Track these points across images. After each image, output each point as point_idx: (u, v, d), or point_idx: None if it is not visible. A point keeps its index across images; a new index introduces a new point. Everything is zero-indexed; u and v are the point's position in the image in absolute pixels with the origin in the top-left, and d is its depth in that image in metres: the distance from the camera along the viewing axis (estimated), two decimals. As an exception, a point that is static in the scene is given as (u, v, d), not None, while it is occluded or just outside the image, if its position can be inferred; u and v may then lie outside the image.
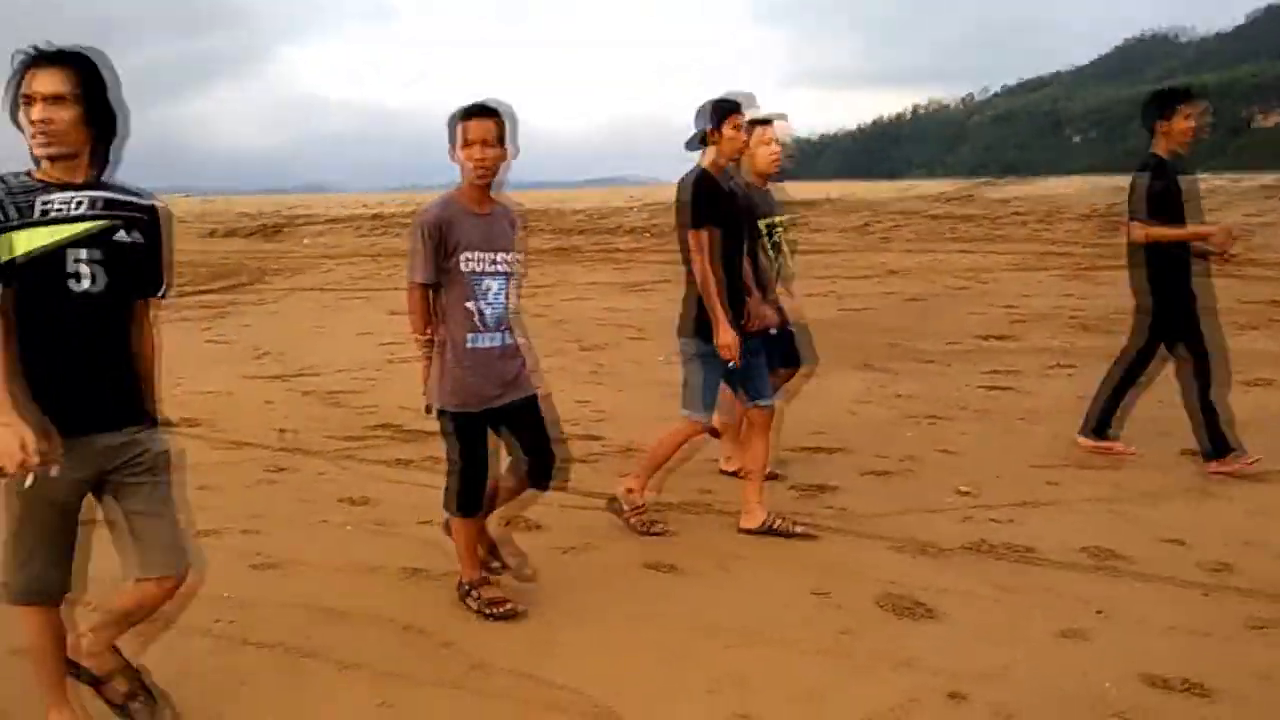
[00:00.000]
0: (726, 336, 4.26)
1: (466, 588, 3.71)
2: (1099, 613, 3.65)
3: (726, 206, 4.39)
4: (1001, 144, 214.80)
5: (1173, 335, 5.40)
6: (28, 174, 2.52)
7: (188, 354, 9.38)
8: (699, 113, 4.40)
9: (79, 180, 2.53)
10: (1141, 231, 5.27)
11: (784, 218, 5.27)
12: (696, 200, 4.32)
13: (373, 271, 18.57)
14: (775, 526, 4.42)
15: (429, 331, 3.61)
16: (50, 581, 2.63)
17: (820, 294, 12.59)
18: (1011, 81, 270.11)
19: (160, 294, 2.70)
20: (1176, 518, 4.66)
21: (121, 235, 2.55)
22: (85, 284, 2.48)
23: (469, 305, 3.52)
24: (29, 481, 2.40)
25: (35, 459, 2.34)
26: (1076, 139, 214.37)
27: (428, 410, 3.68)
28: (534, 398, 3.71)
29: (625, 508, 4.55)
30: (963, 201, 27.32)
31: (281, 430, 6.46)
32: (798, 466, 5.59)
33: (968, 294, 12.66)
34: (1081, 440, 5.70)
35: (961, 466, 5.52)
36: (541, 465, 3.73)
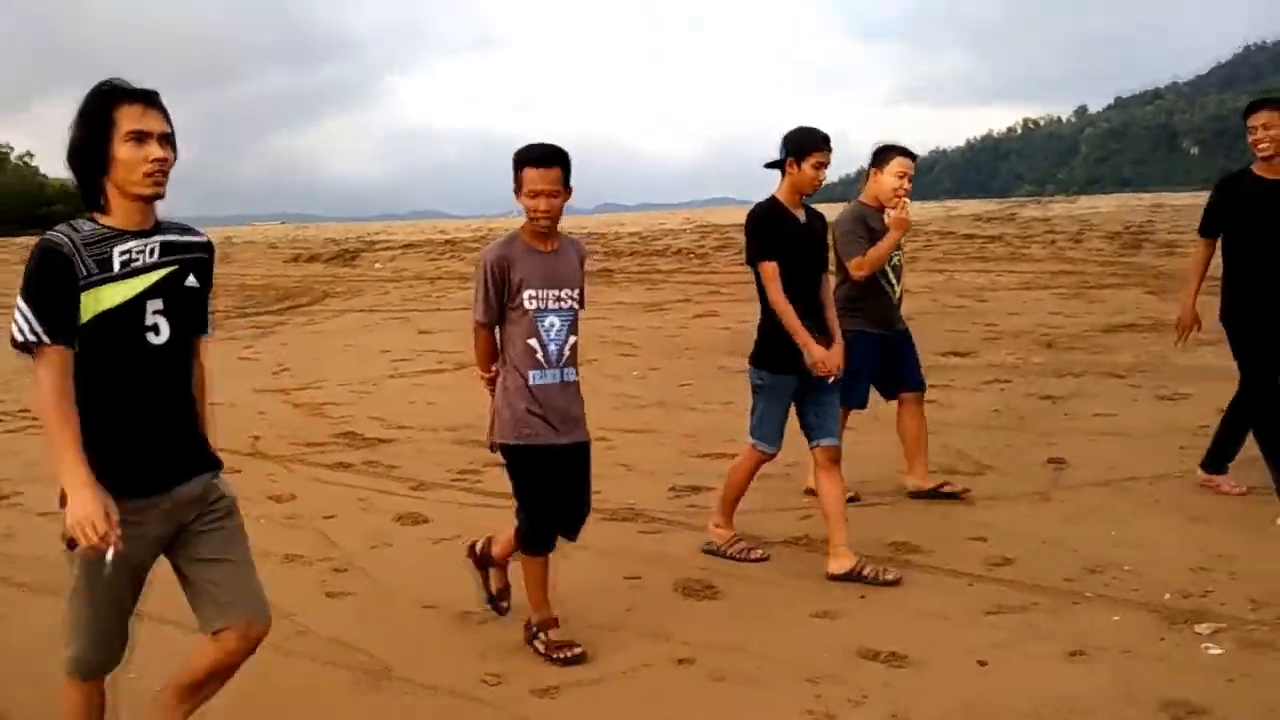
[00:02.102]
0: (817, 353, 4.20)
1: (535, 630, 3.59)
2: (862, 597, 4.01)
3: (791, 238, 4.27)
4: (1115, 157, 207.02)
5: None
6: (92, 218, 2.32)
7: (214, 369, 10.14)
8: (786, 139, 4.26)
9: (149, 225, 2.37)
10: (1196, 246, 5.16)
11: (901, 243, 5.16)
12: (757, 233, 4.29)
13: (426, 293, 19.35)
14: (864, 573, 4.13)
15: (493, 370, 3.60)
16: (115, 650, 2.46)
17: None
18: (1124, 93, 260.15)
19: (207, 333, 2.55)
20: (996, 519, 4.93)
21: (190, 280, 2.42)
22: (154, 337, 2.33)
23: (531, 342, 3.47)
24: (110, 557, 2.18)
25: (118, 531, 2.19)
26: (1194, 150, 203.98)
27: (492, 448, 3.63)
28: (587, 445, 3.61)
29: (719, 545, 4.49)
30: (1002, 221, 27.05)
31: (255, 437, 7.11)
32: (699, 469, 5.99)
33: (961, 313, 12.77)
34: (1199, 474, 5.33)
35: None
36: (575, 516, 3.61)
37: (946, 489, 5.25)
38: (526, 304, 3.46)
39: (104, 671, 2.48)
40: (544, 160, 3.40)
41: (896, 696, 3.18)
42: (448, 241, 33.51)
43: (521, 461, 3.53)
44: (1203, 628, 3.64)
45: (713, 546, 4.51)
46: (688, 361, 10.01)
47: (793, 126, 4.28)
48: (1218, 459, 5.25)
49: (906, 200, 4.94)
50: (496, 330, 3.56)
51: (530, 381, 3.48)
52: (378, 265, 26.87)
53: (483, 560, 3.90)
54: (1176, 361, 9.05)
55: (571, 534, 3.64)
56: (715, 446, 6.45)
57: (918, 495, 5.26)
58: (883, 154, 5.07)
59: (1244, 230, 4.92)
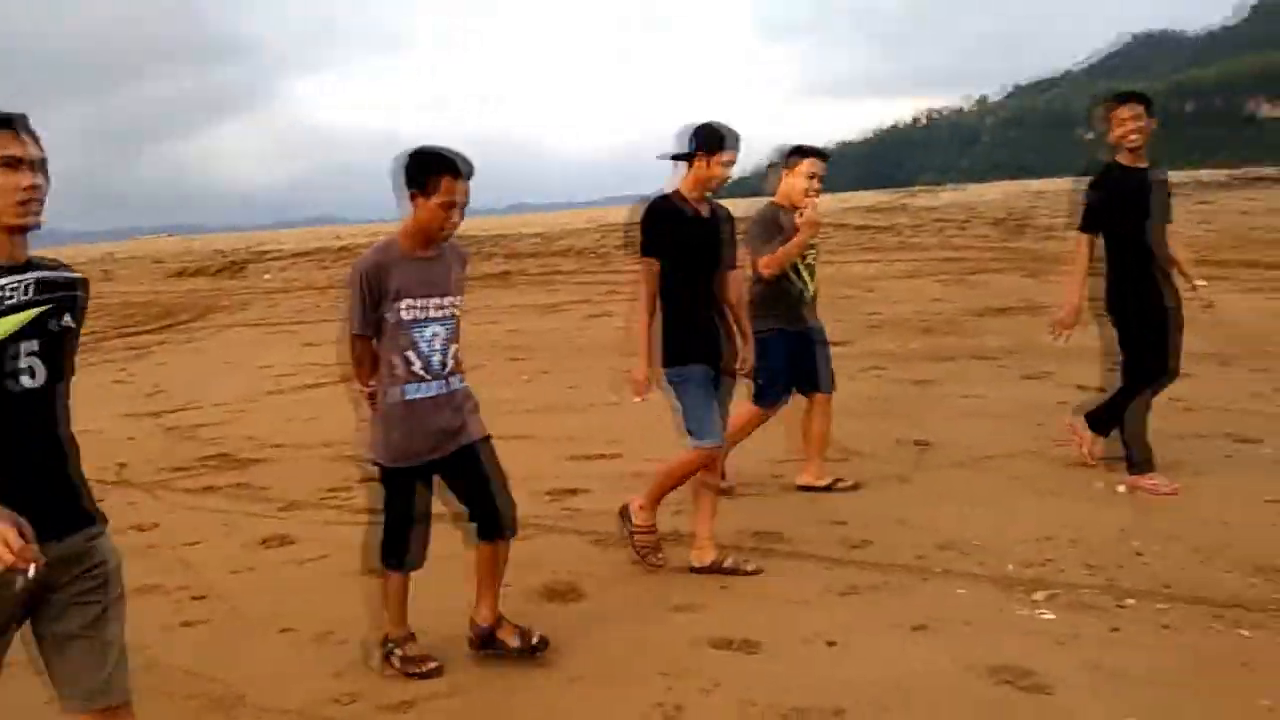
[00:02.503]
0: (638, 371, 4.15)
1: (391, 645, 3.54)
2: (723, 588, 4.10)
3: (685, 234, 4.16)
4: (1014, 145, 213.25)
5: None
6: None
7: (83, 395, 9.80)
8: (696, 133, 4.16)
9: (22, 259, 2.20)
10: (1079, 242, 5.11)
11: (815, 240, 5.21)
12: (647, 229, 4.17)
13: (316, 304, 19.01)
14: (724, 565, 4.20)
15: (373, 383, 3.43)
16: None
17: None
18: (1022, 83, 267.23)
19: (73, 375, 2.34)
20: (859, 503, 5.08)
21: (66, 319, 2.24)
22: (27, 380, 2.15)
23: (410, 354, 3.32)
24: (32, 573, 2.01)
25: (36, 546, 2.01)
26: (1089, 135, 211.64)
27: (373, 463, 3.53)
28: (474, 446, 3.46)
29: (632, 528, 4.40)
30: (895, 211, 27.79)
31: (120, 464, 6.89)
32: (575, 472, 6.02)
33: (847, 303, 13.07)
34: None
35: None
36: (485, 516, 3.49)
37: (840, 484, 5.30)
38: (404, 314, 3.31)
39: None
40: (469, 172, 3.28)
41: (747, 682, 3.27)
42: (342, 248, 32.99)
43: (394, 483, 3.47)
44: (1039, 595, 3.83)
45: (628, 519, 4.42)
46: (579, 363, 10.03)
47: (705, 121, 4.19)
48: (1099, 421, 5.34)
49: (816, 201, 5.01)
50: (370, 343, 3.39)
51: (407, 396, 3.33)
52: (267, 276, 26.30)
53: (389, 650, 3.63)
54: (1043, 341, 9.46)
55: (493, 537, 3.51)
56: (595, 448, 6.51)
57: (805, 488, 5.30)
58: (794, 155, 5.12)
59: (1128, 224, 5.00)
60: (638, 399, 4.21)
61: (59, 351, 2.23)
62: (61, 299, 2.24)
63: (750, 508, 5.14)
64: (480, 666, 3.55)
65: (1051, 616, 3.66)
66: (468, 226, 3.53)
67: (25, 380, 2.15)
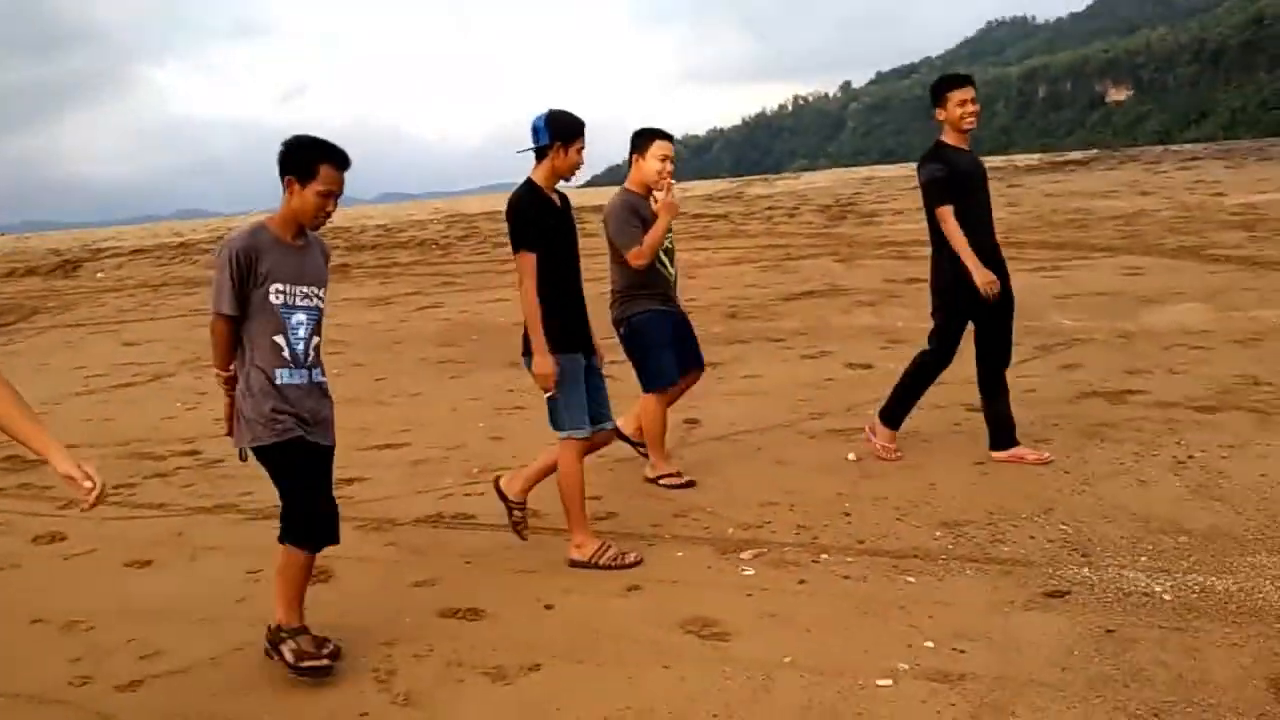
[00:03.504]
0: (544, 365, 4.07)
1: (284, 635, 3.38)
2: (467, 563, 4.36)
3: (555, 223, 4.16)
4: (878, 130, 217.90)
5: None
6: None
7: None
8: (550, 123, 4.10)
9: None
10: (944, 214, 5.00)
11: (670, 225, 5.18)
12: (521, 222, 4.11)
13: (145, 302, 18.33)
14: (599, 561, 4.15)
15: (231, 367, 3.36)
16: None
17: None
18: (884, 69, 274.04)
19: None
20: (616, 479, 5.40)
21: None
22: None
23: (278, 339, 3.28)
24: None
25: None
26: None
27: (242, 456, 3.43)
28: (330, 449, 3.48)
29: (586, 560, 4.19)
30: (731, 200, 28.57)
31: (-98, 470, 6.67)
32: (359, 461, 6.16)
33: (667, 289, 13.48)
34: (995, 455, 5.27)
35: (494, 452, 6.19)
36: (330, 515, 3.46)
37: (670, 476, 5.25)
38: (273, 298, 3.26)
39: None
40: (346, 161, 3.29)
41: (459, 646, 3.53)
42: (181, 244, 31.78)
43: (283, 458, 3.32)
44: (746, 554, 4.21)
45: (580, 562, 4.19)
46: (392, 356, 10.11)
47: (553, 110, 4.14)
48: (1001, 438, 5.25)
49: (672, 183, 4.99)
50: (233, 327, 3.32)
51: (277, 380, 3.29)
52: (100, 275, 25.12)
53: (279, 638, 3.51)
54: (834, 323, 10.08)
55: (333, 538, 3.46)
56: (385, 439, 6.65)
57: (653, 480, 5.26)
58: (642, 139, 5.05)
59: (970, 201, 5.02)
60: (549, 392, 4.12)
61: None
62: None
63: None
64: (217, 641, 3.70)
65: (751, 572, 4.04)
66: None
67: None
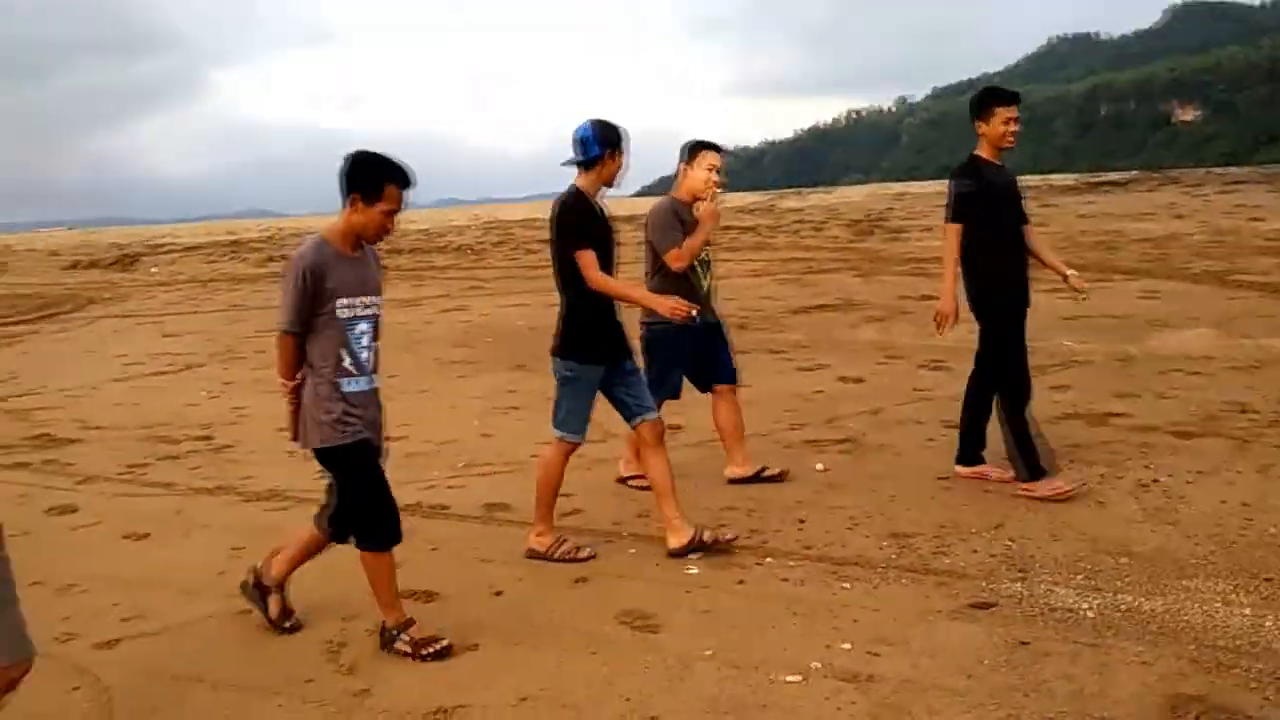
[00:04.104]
0: (669, 301, 4.26)
1: (395, 632, 3.47)
2: (434, 550, 4.53)
3: (599, 228, 4.29)
4: (934, 146, 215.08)
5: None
6: None
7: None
8: (600, 134, 4.22)
9: None
10: (952, 233, 4.94)
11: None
12: (572, 224, 4.24)
13: (192, 296, 18.88)
14: (704, 540, 4.25)
15: (296, 378, 3.45)
16: None
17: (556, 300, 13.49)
18: (942, 85, 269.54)
19: None
20: (592, 479, 5.53)
21: None
22: None
23: (342, 351, 3.38)
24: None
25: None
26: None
27: (316, 455, 3.49)
28: (381, 449, 3.59)
29: (545, 550, 4.33)
30: (762, 213, 28.60)
31: (-68, 444, 7.03)
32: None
33: (688, 300, 13.60)
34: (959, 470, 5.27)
35: (483, 448, 6.37)
36: (391, 518, 3.54)
37: (766, 474, 5.33)
38: (339, 312, 3.35)
39: None
40: (410, 180, 3.38)
41: (430, 629, 3.68)
42: (233, 243, 32.53)
43: (351, 459, 3.43)
44: (694, 555, 4.31)
45: (538, 553, 4.32)
46: (411, 355, 10.34)
47: (596, 120, 4.27)
48: (969, 454, 5.23)
49: (719, 191, 5.04)
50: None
51: (342, 389, 3.39)
52: (154, 270, 25.88)
53: (261, 585, 3.74)
54: (838, 337, 10.14)
55: (399, 535, 3.54)
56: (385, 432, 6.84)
57: (737, 481, 5.31)
58: (693, 150, 5.12)
59: (1001, 218, 4.95)
60: (678, 315, 4.25)
61: None
62: None
63: (495, 483, 5.57)
64: (194, 607, 3.91)
65: (695, 571, 4.16)
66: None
67: None
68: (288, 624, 3.69)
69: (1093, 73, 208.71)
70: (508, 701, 3.13)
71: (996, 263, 4.93)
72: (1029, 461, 4.90)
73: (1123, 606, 3.66)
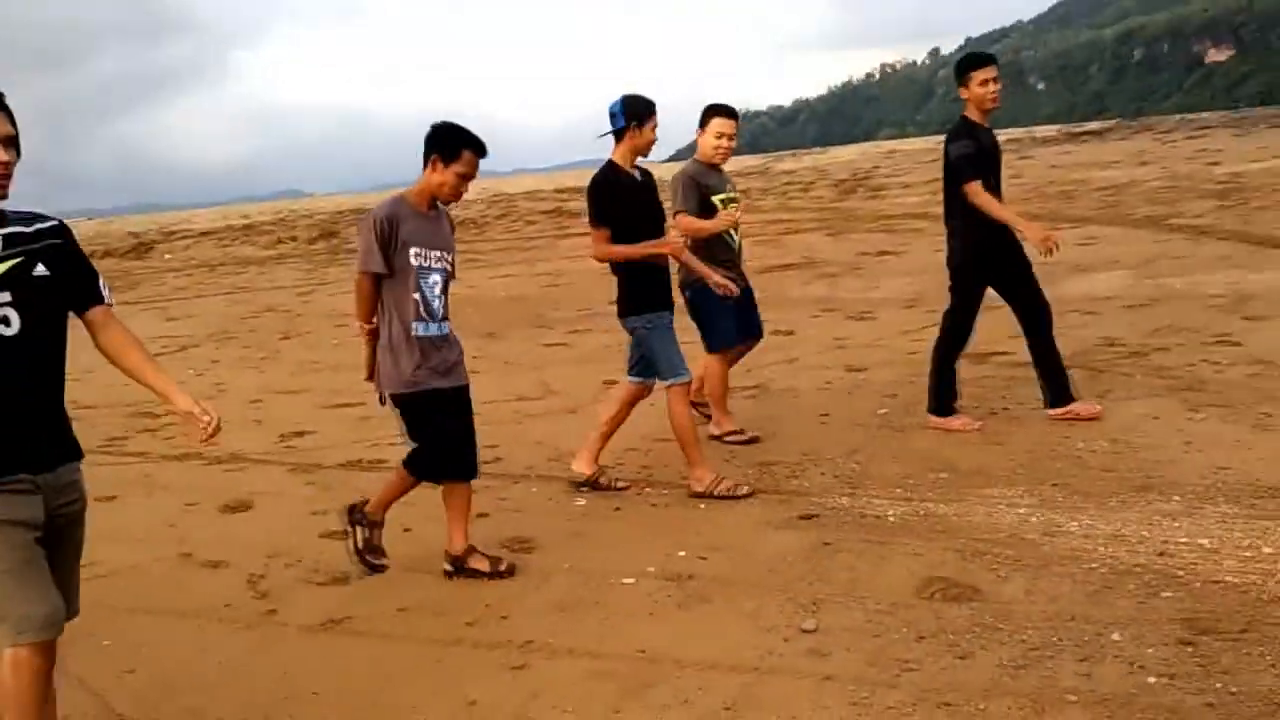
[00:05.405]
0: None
1: (458, 560, 3.91)
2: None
3: (630, 198, 4.54)
4: None
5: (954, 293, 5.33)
6: None
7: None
8: (625, 107, 4.50)
9: None
10: (974, 189, 5.08)
11: (735, 194, 5.49)
12: (596, 200, 4.52)
13: (200, 281, 19.56)
14: (715, 491, 4.56)
15: (374, 320, 3.80)
16: (55, 604, 2.34)
17: (543, 272, 14.06)
18: (974, 35, 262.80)
19: (104, 302, 2.57)
20: (521, 430, 6.14)
21: (38, 269, 2.38)
22: (7, 327, 2.29)
23: (416, 297, 3.71)
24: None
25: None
26: (1041, 86, 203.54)
27: (381, 400, 3.90)
28: (466, 387, 3.92)
29: (708, 488, 4.60)
30: (756, 176, 28.93)
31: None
32: (315, 418, 7.00)
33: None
34: (932, 420, 5.40)
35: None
36: (471, 450, 3.91)
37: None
38: (412, 260, 3.70)
39: (58, 622, 2.36)
40: (485, 150, 3.75)
41: (321, 558, 4.31)
42: (245, 227, 33.19)
43: (416, 406, 3.80)
44: (584, 490, 4.90)
45: (702, 490, 4.60)
46: (388, 327, 10.92)
47: (627, 94, 4.54)
48: (942, 403, 5.38)
49: (737, 216, 5.30)
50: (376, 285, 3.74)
51: (414, 333, 3.72)
52: (168, 256, 26.59)
53: (359, 517, 4.08)
54: (789, 294, 10.65)
55: (473, 473, 3.93)
56: (348, 399, 7.45)
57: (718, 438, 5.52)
58: (705, 114, 5.30)
59: (989, 177, 5.14)
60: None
61: (37, 300, 2.35)
62: (35, 250, 2.38)
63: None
64: (121, 556, 4.55)
65: (582, 503, 4.76)
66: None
67: (2, 329, 2.30)
68: (502, 568, 3.91)
69: (1124, 15, 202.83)
70: (388, 612, 3.75)
71: (977, 223, 5.10)
72: (941, 403, 5.33)
73: (922, 512, 4.24)
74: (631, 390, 4.89)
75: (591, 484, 4.86)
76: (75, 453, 2.50)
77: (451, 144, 3.71)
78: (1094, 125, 38.41)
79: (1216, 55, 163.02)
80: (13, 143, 2.33)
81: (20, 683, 2.27)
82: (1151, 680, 2.87)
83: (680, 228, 5.21)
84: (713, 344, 5.39)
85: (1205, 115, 41.31)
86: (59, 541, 2.44)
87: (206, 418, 2.53)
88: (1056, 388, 5.31)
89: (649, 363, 4.72)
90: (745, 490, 4.62)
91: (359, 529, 4.04)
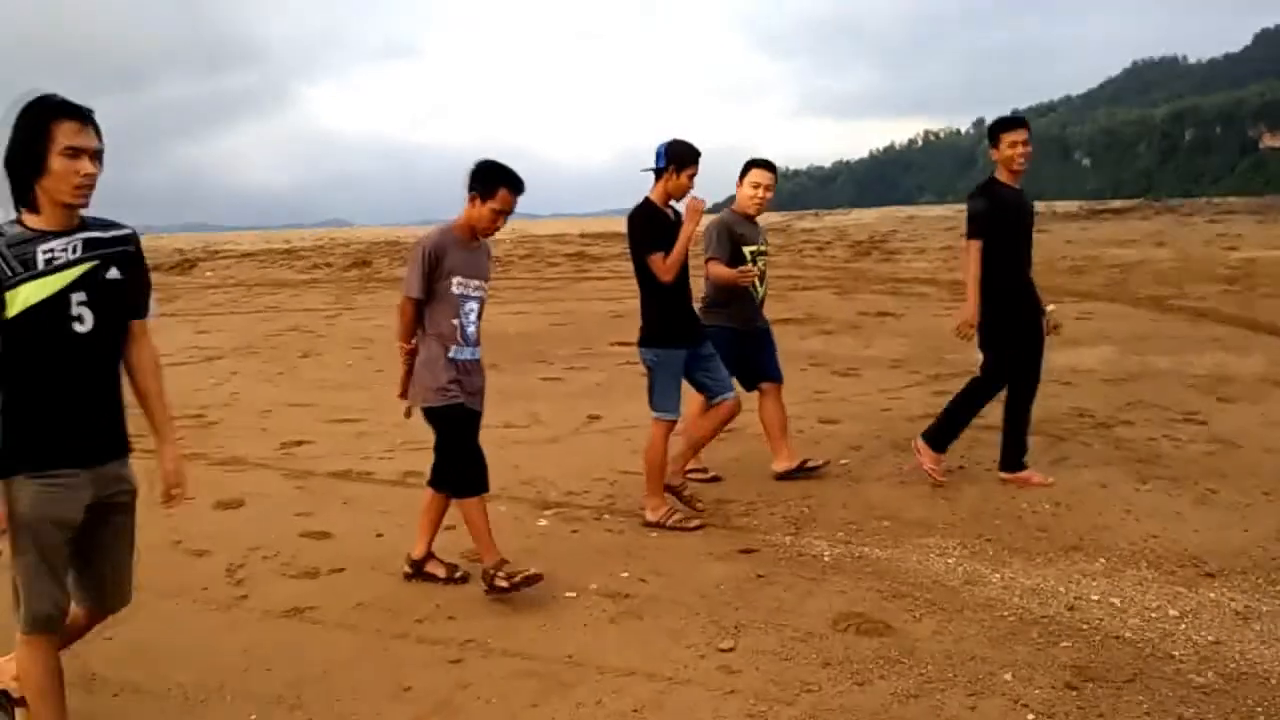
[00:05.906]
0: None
1: (493, 573, 3.94)
2: (344, 503, 5.46)
3: (667, 235, 4.72)
4: None
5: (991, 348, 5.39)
6: (18, 222, 2.49)
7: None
8: (668, 150, 4.68)
9: (74, 224, 2.53)
10: (970, 247, 5.23)
11: (765, 246, 5.68)
12: (643, 231, 4.73)
13: (236, 298, 20.13)
14: (667, 523, 4.81)
15: (412, 343, 4.05)
16: (63, 604, 2.65)
17: (554, 311, 14.43)
18: (1020, 107, 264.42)
19: (145, 316, 2.74)
20: (520, 458, 6.41)
21: (111, 273, 2.56)
22: (79, 326, 2.48)
23: (454, 321, 3.95)
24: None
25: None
26: (1085, 162, 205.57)
27: (407, 414, 4.13)
28: (480, 415, 4.13)
29: (659, 519, 4.85)
30: (776, 233, 29.32)
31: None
32: (310, 430, 7.33)
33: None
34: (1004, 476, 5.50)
35: (422, 430, 7.25)
36: (476, 472, 4.09)
37: (809, 464, 5.66)
38: (454, 288, 3.95)
39: (57, 623, 2.66)
40: (521, 188, 3.96)
41: (298, 554, 4.62)
42: (285, 251, 34.01)
43: (447, 418, 4.01)
44: (548, 512, 5.19)
45: (655, 520, 4.84)
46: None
47: (673, 139, 4.73)
48: (941, 439, 5.54)
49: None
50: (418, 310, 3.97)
51: (450, 355, 3.97)
52: (209, 273, 27.33)
53: (416, 564, 4.29)
54: (784, 347, 10.81)
55: (484, 485, 4.10)
56: (349, 415, 7.80)
57: (784, 476, 5.62)
58: (745, 167, 5.51)
59: (1007, 237, 5.23)
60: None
61: (108, 300, 2.56)
62: (109, 255, 2.58)
63: (421, 456, 6.46)
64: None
65: (545, 523, 5.04)
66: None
67: (77, 326, 2.49)
68: (457, 574, 4.23)
69: (1178, 97, 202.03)
70: (348, 605, 4.04)
71: (1002, 280, 5.20)
72: (939, 438, 5.52)
73: (857, 554, 4.47)
74: (727, 408, 4.97)
75: (676, 493, 5.01)
76: (124, 448, 2.70)
77: (489, 181, 3.94)
78: (1116, 204, 38.56)
79: (1271, 141, 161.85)
80: (99, 156, 2.52)
81: (36, 666, 2.64)
82: (1030, 717, 3.09)
83: (710, 274, 5.41)
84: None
85: (1232, 200, 41.23)
86: (107, 526, 2.68)
87: (177, 489, 2.80)
88: (1014, 454, 5.51)
89: (698, 384, 4.95)
90: (695, 524, 4.86)
91: (497, 577, 3.99)
